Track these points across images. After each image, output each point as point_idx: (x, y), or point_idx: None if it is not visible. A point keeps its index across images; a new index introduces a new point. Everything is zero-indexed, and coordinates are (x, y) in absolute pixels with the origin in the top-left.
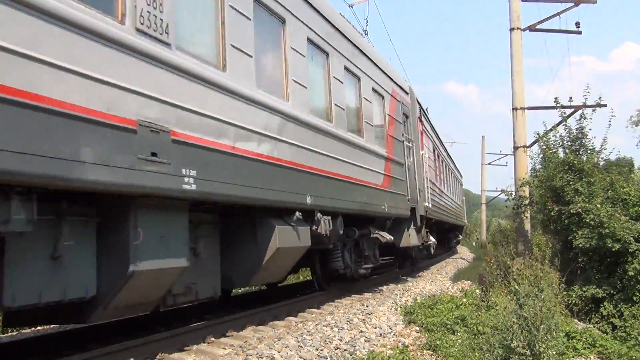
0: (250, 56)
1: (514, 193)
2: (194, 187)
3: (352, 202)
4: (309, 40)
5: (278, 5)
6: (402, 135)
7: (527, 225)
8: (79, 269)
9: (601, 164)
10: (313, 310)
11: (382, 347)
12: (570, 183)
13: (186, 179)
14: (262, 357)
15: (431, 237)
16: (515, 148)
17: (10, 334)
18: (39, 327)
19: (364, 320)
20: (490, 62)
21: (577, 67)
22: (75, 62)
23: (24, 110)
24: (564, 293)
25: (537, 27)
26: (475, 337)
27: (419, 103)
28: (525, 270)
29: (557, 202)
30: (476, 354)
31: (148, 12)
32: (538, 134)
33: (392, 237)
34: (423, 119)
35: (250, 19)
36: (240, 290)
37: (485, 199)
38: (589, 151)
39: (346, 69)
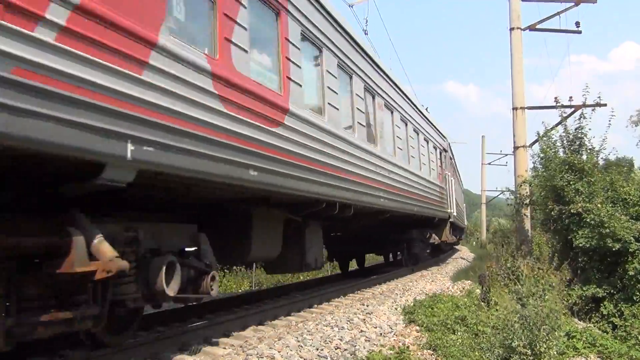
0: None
1: (514, 192)
2: None
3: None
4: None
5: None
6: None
7: (527, 225)
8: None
9: (600, 163)
10: (313, 310)
11: (383, 346)
12: (571, 183)
13: None
14: (262, 357)
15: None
16: (516, 148)
17: None
18: None
19: (364, 319)
20: (490, 62)
21: (577, 66)
22: None
23: None
24: (565, 293)
25: (537, 26)
26: (475, 337)
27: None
28: (529, 271)
29: (558, 201)
30: (476, 353)
31: None
32: (538, 133)
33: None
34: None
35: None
36: (240, 290)
37: (485, 198)
38: (588, 151)
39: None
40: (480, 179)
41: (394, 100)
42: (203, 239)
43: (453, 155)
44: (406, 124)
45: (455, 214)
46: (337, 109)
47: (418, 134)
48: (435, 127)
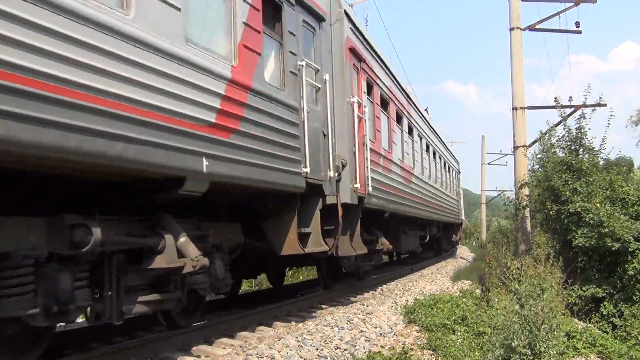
0: None
1: (513, 193)
2: None
3: None
4: None
5: None
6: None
7: (528, 225)
8: None
9: (600, 163)
10: (313, 310)
11: (382, 347)
12: (569, 183)
13: None
14: (262, 357)
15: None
16: (515, 148)
17: None
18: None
19: (364, 320)
20: (490, 62)
21: (577, 66)
22: None
23: None
24: (564, 293)
25: (537, 26)
26: (475, 337)
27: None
28: (527, 270)
29: (556, 201)
30: (476, 353)
31: None
32: (542, 132)
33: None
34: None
35: None
36: (240, 290)
37: (485, 198)
38: (588, 151)
39: None
40: (480, 179)
41: None
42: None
43: (380, 58)
44: None
45: (370, 189)
46: None
47: None
48: None
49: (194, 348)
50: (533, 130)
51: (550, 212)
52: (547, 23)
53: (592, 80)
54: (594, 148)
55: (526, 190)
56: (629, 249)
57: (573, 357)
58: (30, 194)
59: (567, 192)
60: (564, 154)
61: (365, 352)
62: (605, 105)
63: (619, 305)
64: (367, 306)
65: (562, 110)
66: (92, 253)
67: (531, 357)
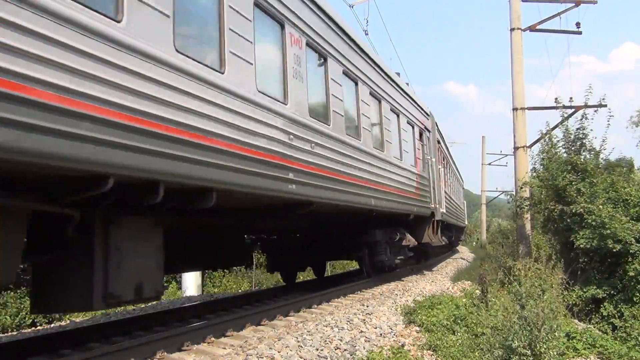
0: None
1: (514, 193)
2: None
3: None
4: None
5: None
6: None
7: (528, 226)
8: None
9: (601, 164)
10: (313, 310)
11: (382, 347)
12: (573, 183)
13: None
14: (262, 357)
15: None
16: (516, 148)
17: (10, 333)
18: (39, 327)
19: (364, 320)
20: (490, 62)
21: (577, 67)
22: None
23: None
24: (565, 293)
25: (537, 27)
26: (475, 337)
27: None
28: (527, 271)
29: (559, 201)
30: (476, 354)
31: None
32: (542, 132)
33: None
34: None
35: None
36: (240, 290)
37: (485, 199)
38: (589, 151)
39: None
40: (481, 180)
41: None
42: None
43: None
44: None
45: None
46: None
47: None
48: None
49: (194, 348)
50: (533, 131)
51: (553, 212)
52: (547, 24)
53: (592, 81)
54: (595, 149)
55: (527, 192)
56: (630, 251)
57: (573, 357)
58: None
59: (572, 193)
60: (567, 154)
61: (365, 353)
62: (605, 106)
63: (619, 306)
64: (367, 306)
65: (562, 111)
66: None
67: (531, 358)
